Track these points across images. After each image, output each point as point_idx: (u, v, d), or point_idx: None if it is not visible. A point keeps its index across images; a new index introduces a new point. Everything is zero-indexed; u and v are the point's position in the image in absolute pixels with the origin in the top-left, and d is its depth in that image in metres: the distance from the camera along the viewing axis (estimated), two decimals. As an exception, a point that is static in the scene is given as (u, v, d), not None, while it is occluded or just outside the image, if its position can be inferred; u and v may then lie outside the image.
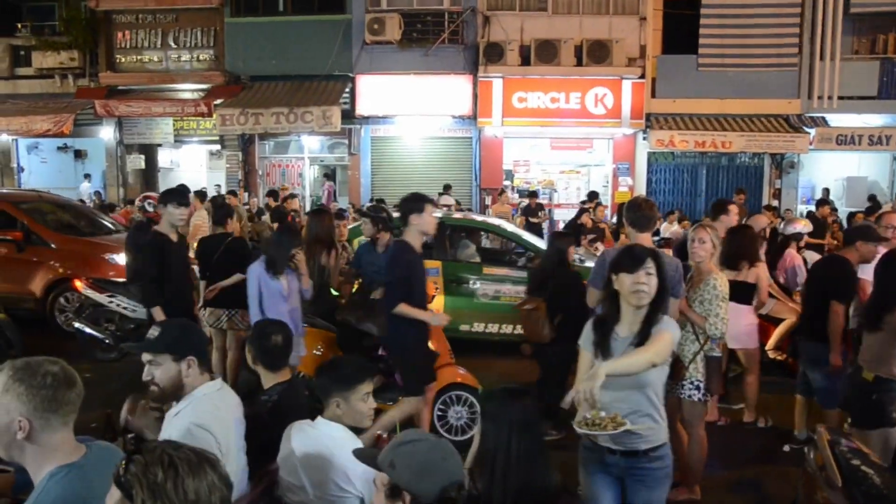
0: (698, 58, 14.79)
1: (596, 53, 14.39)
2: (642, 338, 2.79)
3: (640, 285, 2.78)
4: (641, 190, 15.54)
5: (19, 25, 16.48)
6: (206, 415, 2.57)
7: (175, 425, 2.58)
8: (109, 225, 9.80)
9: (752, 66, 14.63)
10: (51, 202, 9.70)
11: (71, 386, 1.97)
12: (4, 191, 10.47)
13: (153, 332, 2.70)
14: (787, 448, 5.21)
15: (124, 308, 7.06)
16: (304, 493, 2.57)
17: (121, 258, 8.14)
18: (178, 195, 5.39)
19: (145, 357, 2.65)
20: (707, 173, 16.06)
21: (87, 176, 17.65)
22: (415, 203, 4.51)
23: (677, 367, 4.29)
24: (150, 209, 7.58)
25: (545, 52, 14.45)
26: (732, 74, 14.68)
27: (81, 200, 14.31)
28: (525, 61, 14.59)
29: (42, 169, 17.76)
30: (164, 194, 5.49)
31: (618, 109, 14.80)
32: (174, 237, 5.34)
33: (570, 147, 16.22)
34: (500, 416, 2.25)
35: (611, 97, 14.76)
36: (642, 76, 14.73)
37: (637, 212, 4.11)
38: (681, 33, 14.90)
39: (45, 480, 1.92)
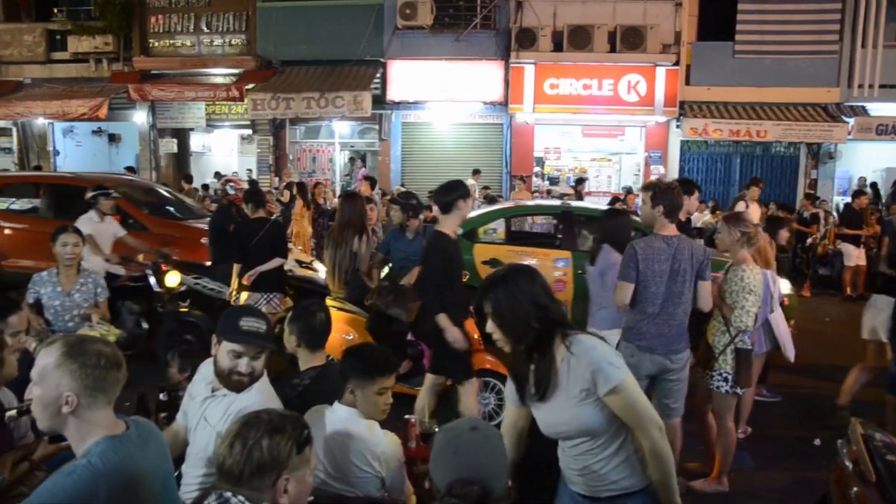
0: (735, 44, 14.50)
1: (630, 39, 14.19)
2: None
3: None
4: (673, 178, 15.34)
5: (55, 10, 16.74)
6: (276, 402, 2.65)
7: (227, 405, 2.65)
8: (195, 209, 9.79)
9: (791, 53, 14.31)
10: (141, 186, 9.76)
11: (118, 368, 2.04)
12: (99, 174, 10.53)
13: (258, 325, 2.67)
14: (817, 442, 5.15)
15: (210, 289, 7.09)
16: (326, 475, 2.61)
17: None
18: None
19: (252, 351, 2.65)
20: (741, 162, 15.81)
21: (130, 169, 17.78)
22: (461, 191, 4.49)
23: (708, 358, 4.26)
24: (232, 192, 7.62)
25: (578, 37, 14.29)
26: (770, 62, 14.38)
27: None
28: (557, 47, 14.44)
29: (77, 152, 18.08)
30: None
31: (651, 97, 14.60)
32: None
33: (601, 135, 16.07)
34: None
35: (644, 84, 14.56)
36: (677, 63, 14.50)
37: (672, 198, 3.99)
38: (717, 19, 14.62)
39: (89, 448, 1.98)
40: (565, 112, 15.01)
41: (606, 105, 14.72)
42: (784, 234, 6.07)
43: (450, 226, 4.48)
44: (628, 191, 13.10)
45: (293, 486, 1.79)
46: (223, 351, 2.68)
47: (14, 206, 9.23)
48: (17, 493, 2.67)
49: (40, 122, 16.94)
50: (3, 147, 18.43)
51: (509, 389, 2.43)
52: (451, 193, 4.45)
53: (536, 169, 15.91)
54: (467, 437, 1.94)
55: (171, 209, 9.37)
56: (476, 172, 14.44)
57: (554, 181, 15.98)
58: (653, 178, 15.07)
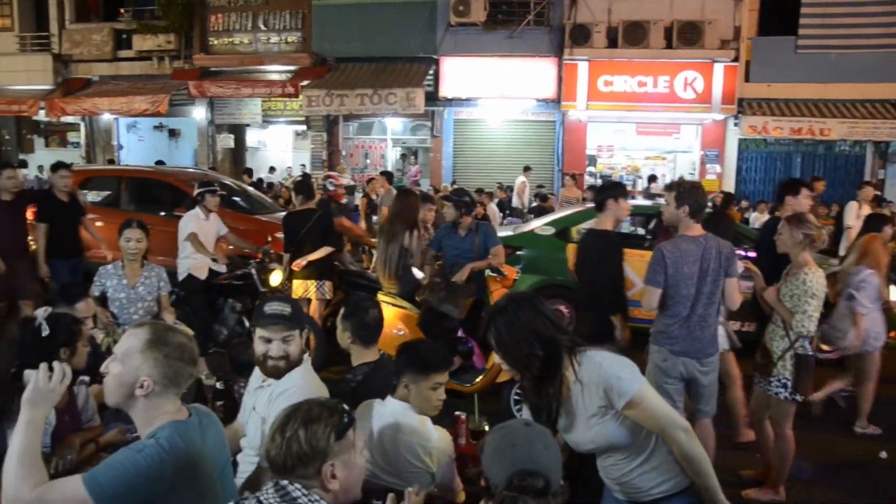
0: (798, 39, 14.05)
1: (687, 35, 13.90)
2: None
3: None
4: (730, 178, 14.98)
5: (122, 10, 17.30)
6: (307, 386, 2.68)
7: (270, 393, 2.71)
8: (266, 203, 9.89)
9: (857, 47, 13.78)
10: (218, 181, 9.77)
11: (194, 364, 2.14)
12: (177, 169, 10.78)
13: (283, 307, 2.73)
14: (883, 455, 4.95)
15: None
16: (379, 469, 2.63)
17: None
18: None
19: (280, 334, 2.71)
20: (802, 162, 15.31)
21: (160, 163, 17.96)
22: (616, 189, 4.60)
23: (765, 363, 4.15)
24: (332, 188, 7.72)
25: (633, 33, 14.06)
26: (834, 57, 13.88)
27: None
28: (612, 43, 14.26)
29: (139, 146, 18.68)
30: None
31: (708, 94, 14.26)
32: None
33: (656, 132, 15.79)
34: None
35: (701, 81, 14.23)
36: (736, 59, 14.13)
37: (697, 197, 3.86)
38: (779, 13, 14.17)
39: (156, 431, 2.06)
40: (619, 109, 14.79)
41: (662, 102, 14.44)
42: (889, 232, 5.73)
43: (606, 224, 4.57)
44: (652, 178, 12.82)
45: (340, 471, 1.82)
46: (256, 338, 2.77)
47: (98, 199, 9.39)
48: (84, 471, 2.83)
49: (106, 117, 17.57)
50: (72, 141, 19.23)
51: (527, 412, 2.42)
52: (603, 193, 4.62)
53: (590, 169, 15.73)
54: (523, 431, 1.96)
55: (244, 204, 9.48)
56: (527, 169, 14.40)
57: (607, 179, 15.79)
58: (708, 177, 14.77)
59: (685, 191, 3.89)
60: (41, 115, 17.42)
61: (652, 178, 13.94)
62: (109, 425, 3.22)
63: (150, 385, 2.04)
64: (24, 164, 17.72)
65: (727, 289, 3.90)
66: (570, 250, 7.09)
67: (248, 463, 2.77)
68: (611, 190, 4.67)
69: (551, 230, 7.70)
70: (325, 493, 1.80)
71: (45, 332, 2.94)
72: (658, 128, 15.66)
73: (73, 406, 3.12)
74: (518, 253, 7.60)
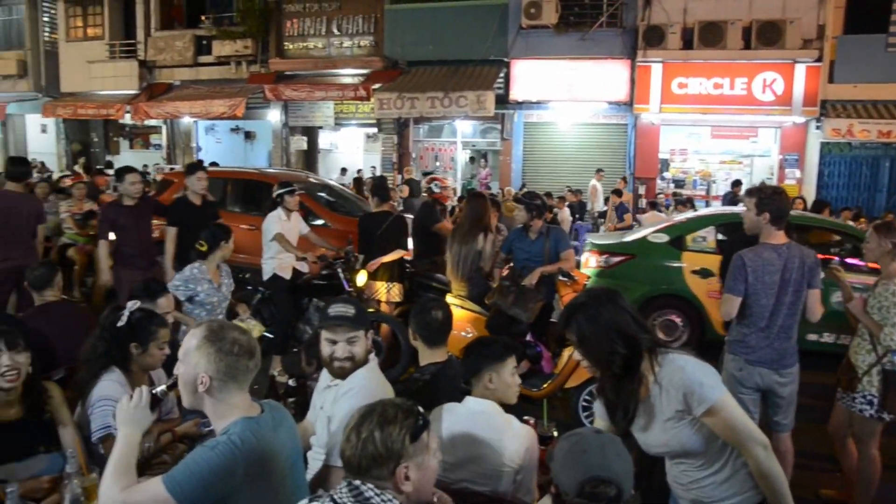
0: (888, 37, 13.33)
1: (766, 35, 13.40)
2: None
3: None
4: (811, 183, 14.36)
5: (203, 18, 17.97)
6: (370, 383, 2.72)
7: (336, 392, 2.75)
8: (362, 205, 9.63)
9: (954, 46, 13.00)
10: (318, 183, 9.95)
11: (250, 356, 2.18)
12: (276, 171, 10.87)
13: (346, 309, 2.78)
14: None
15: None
16: (461, 470, 2.63)
17: None
18: None
19: (344, 336, 2.76)
20: (891, 167, 14.51)
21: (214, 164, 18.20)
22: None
23: (850, 378, 3.95)
24: (437, 190, 7.81)
25: (710, 34, 13.66)
26: (929, 57, 13.14)
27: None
28: (687, 45, 13.89)
29: (216, 148, 19.35)
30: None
31: (788, 96, 13.70)
32: None
33: (732, 136, 15.28)
34: None
35: (781, 82, 13.70)
36: (819, 59, 13.53)
37: (779, 204, 3.71)
38: (867, 11, 13.49)
39: (228, 427, 2.14)
40: (694, 112, 14.37)
41: (739, 105, 13.96)
42: None
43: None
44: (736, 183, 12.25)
45: (414, 473, 1.83)
46: (322, 340, 2.81)
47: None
48: (161, 460, 2.96)
49: (186, 120, 18.28)
50: (154, 143, 20.09)
51: (599, 411, 2.39)
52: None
53: (666, 174, 15.37)
54: (593, 438, 1.95)
55: (344, 205, 9.47)
56: (599, 172, 14.18)
57: (679, 184, 15.40)
58: (787, 182, 14.20)
59: (766, 196, 3.75)
60: (127, 119, 18.31)
61: (736, 184, 13.46)
62: (187, 417, 3.33)
63: (207, 381, 2.11)
64: (110, 165, 18.65)
65: (809, 300, 3.75)
66: (686, 259, 7.08)
67: (316, 460, 2.81)
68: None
69: (665, 237, 7.44)
70: (398, 494, 1.81)
71: (121, 322, 3.07)
72: (734, 131, 15.15)
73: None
74: (629, 261, 7.36)
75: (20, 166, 6.56)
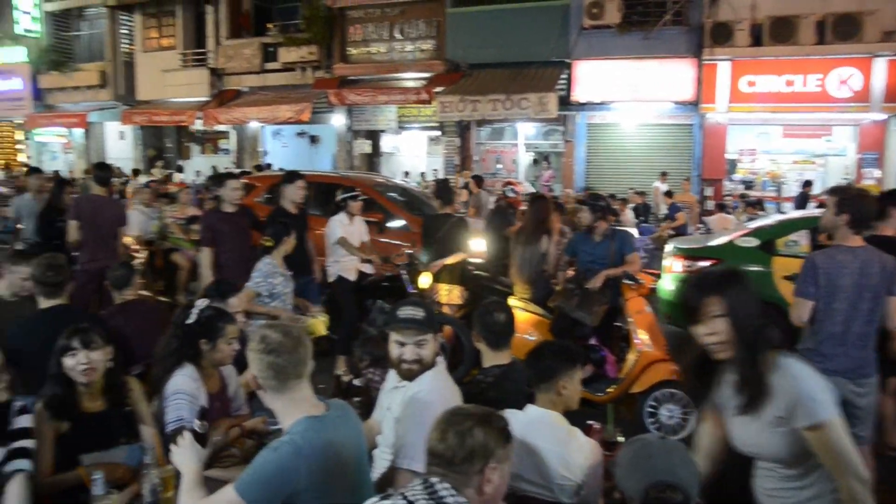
0: (976, 29, 12.63)
1: (842, 28, 12.84)
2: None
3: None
4: (892, 184, 13.69)
5: (270, 26, 18.44)
6: (434, 385, 2.72)
7: (403, 394, 2.77)
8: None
9: None
10: (397, 186, 10.02)
11: (283, 353, 2.22)
12: (355, 174, 10.98)
13: (415, 312, 2.81)
14: None
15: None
16: (518, 480, 2.61)
17: (473, 243, 7.68)
18: None
19: (412, 338, 2.78)
20: (979, 165, 13.74)
21: (269, 166, 17.73)
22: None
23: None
24: (512, 195, 7.86)
25: (780, 30, 13.20)
26: None
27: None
28: (756, 41, 13.45)
29: (282, 152, 19.81)
30: None
31: (866, 92, 13.10)
32: None
33: (804, 135, 14.74)
34: None
35: (858, 78, 13.11)
36: (900, 53, 12.91)
37: (861, 207, 3.53)
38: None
39: (292, 427, 2.20)
40: (763, 111, 13.92)
41: (812, 102, 13.44)
42: None
43: (887, 231, 4.31)
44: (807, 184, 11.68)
45: (497, 476, 1.85)
46: (390, 342, 2.83)
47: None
48: (229, 454, 3.05)
49: (253, 125, 18.78)
50: (223, 148, 20.72)
51: (721, 395, 2.25)
52: (885, 199, 4.38)
53: (734, 175, 14.93)
54: (658, 444, 1.94)
55: (422, 208, 9.31)
56: (663, 175, 13.89)
57: (748, 185, 14.93)
58: (866, 182, 13.59)
59: (848, 197, 3.58)
60: (198, 125, 18.96)
61: (807, 184, 12.97)
62: (256, 413, 3.42)
63: (255, 381, 2.24)
64: (180, 170, 19.37)
65: (889, 308, 3.57)
66: (777, 265, 6.66)
67: (383, 459, 2.83)
68: (892, 197, 4.35)
69: (755, 241, 7.03)
70: (476, 496, 1.83)
71: (190, 319, 3.19)
72: (807, 130, 14.60)
73: (223, 393, 3.34)
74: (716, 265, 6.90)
75: (105, 171, 6.92)
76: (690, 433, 4.88)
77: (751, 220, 11.34)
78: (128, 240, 9.12)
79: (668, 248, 7.87)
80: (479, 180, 11.59)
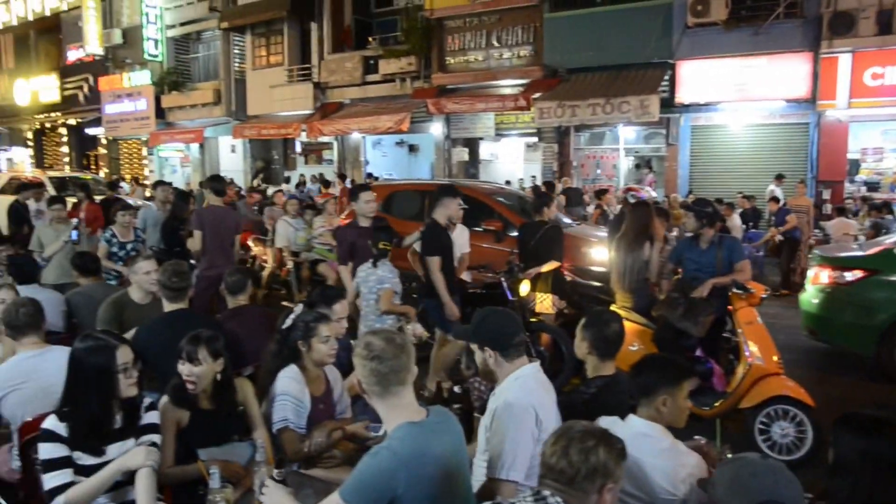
0: None
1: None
2: None
3: None
4: None
5: (370, 39, 18.96)
6: (525, 394, 2.69)
7: (494, 402, 2.77)
8: (564, 219, 9.53)
9: None
10: (510, 193, 10.03)
11: (385, 360, 2.27)
12: (470, 182, 11.01)
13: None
14: None
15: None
16: (622, 493, 2.54)
17: (595, 252, 7.89)
18: None
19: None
20: None
21: (342, 177, 18.03)
22: None
23: None
24: (633, 201, 7.81)
25: (911, 16, 12.20)
26: None
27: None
28: (884, 29, 12.43)
29: (382, 161, 20.28)
30: None
31: None
32: None
33: (938, 130, 13.59)
34: (860, 449, 1.96)
35: None
36: None
37: None
38: None
39: (393, 433, 2.25)
40: (891, 105, 12.87)
41: (950, 94, 12.34)
42: None
43: None
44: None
45: (610, 497, 1.86)
46: (475, 349, 2.88)
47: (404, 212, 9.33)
48: (331, 455, 3.17)
49: (355, 136, 19.35)
50: (326, 159, 21.46)
51: None
52: None
53: (856, 177, 13.96)
54: (761, 463, 1.88)
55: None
56: (779, 178, 13.07)
57: (873, 186, 13.90)
58: None
59: None
60: (302, 137, 19.73)
61: None
62: (359, 417, 3.50)
63: (359, 386, 2.32)
64: (287, 181, 20.21)
65: None
66: None
67: (479, 466, 2.83)
68: None
69: None
70: None
71: (286, 324, 3.37)
72: (941, 125, 13.45)
73: (328, 396, 3.45)
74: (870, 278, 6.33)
75: (220, 183, 7.37)
76: (806, 454, 4.61)
77: (875, 224, 10.60)
78: (262, 251, 9.47)
79: (812, 256, 7.32)
80: (549, 186, 11.27)
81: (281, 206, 10.45)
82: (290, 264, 8.90)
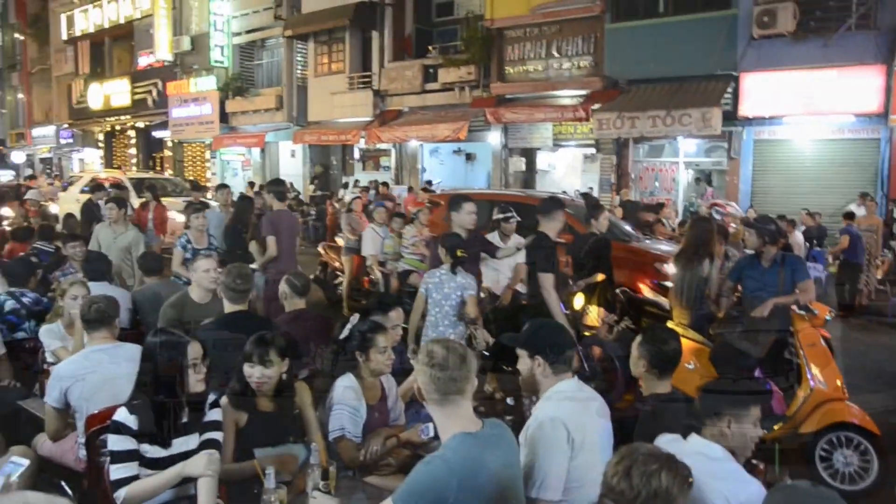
0: None
1: None
2: None
3: None
4: None
5: (430, 48, 19.14)
6: (558, 411, 2.68)
7: (533, 417, 2.77)
8: (629, 232, 9.36)
9: None
10: (578, 205, 9.61)
11: (445, 368, 2.30)
12: (539, 193, 10.83)
13: None
14: None
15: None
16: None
17: (669, 267, 7.39)
18: None
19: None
20: None
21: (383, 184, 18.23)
22: None
23: None
24: (718, 217, 7.61)
25: None
26: None
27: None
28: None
29: (439, 169, 20.37)
30: None
31: None
32: None
33: None
34: None
35: None
36: None
37: None
38: None
39: (447, 442, 2.27)
40: (971, 120, 12.31)
41: None
42: None
43: None
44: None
45: None
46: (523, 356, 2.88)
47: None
48: (385, 462, 3.20)
49: (413, 143, 19.54)
50: (384, 165, 21.72)
51: None
52: None
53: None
54: (812, 491, 1.85)
55: (613, 230, 8.66)
56: (864, 196, 12.30)
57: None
58: None
59: None
60: (361, 143, 20.04)
61: None
62: (410, 423, 3.54)
63: (420, 393, 2.34)
64: (345, 186, 20.52)
65: None
66: None
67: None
68: None
69: None
70: None
71: (343, 335, 3.44)
72: None
73: (383, 404, 3.50)
74: None
75: (281, 187, 7.49)
76: (871, 485, 4.45)
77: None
78: (334, 258, 9.36)
79: None
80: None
81: (358, 213, 10.21)
82: (377, 274, 8.65)
